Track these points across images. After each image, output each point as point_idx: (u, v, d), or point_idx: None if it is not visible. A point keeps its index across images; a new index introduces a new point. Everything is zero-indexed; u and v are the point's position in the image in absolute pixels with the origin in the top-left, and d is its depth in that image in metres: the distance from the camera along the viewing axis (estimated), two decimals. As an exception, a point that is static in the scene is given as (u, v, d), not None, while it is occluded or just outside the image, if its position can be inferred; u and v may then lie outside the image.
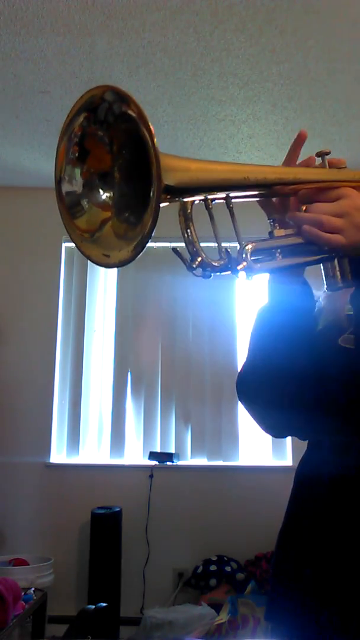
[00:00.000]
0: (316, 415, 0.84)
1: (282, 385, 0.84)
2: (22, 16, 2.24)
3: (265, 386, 0.87)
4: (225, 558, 3.27)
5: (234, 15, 2.22)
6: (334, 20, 2.26)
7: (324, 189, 0.76)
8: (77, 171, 0.62)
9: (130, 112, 0.57)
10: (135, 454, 3.59)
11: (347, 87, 2.68)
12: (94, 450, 3.63)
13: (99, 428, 3.68)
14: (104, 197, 0.62)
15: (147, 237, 0.55)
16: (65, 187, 0.62)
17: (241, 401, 0.92)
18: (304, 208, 0.74)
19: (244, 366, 0.92)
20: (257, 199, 0.76)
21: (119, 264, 0.58)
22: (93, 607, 2.59)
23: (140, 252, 0.56)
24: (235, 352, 3.65)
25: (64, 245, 3.78)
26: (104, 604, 2.65)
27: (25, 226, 3.78)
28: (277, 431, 0.94)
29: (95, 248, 0.61)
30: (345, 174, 0.80)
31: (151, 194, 0.53)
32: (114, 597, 3.08)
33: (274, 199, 0.79)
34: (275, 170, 0.75)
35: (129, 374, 3.69)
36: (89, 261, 0.63)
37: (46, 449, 3.55)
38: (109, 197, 0.62)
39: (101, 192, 0.62)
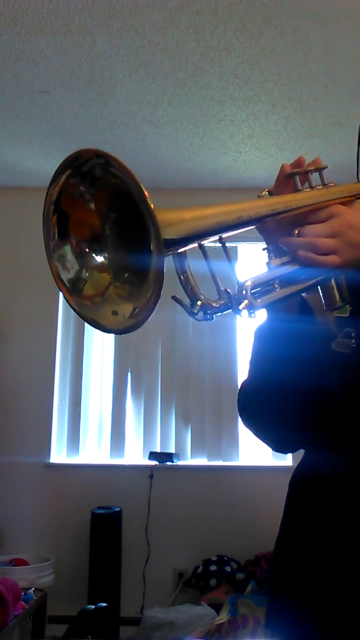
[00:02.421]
0: (320, 428, 0.84)
1: (284, 401, 0.84)
2: (22, 16, 2.24)
3: (267, 403, 0.86)
4: (225, 558, 3.27)
5: (234, 15, 2.22)
6: (334, 20, 2.26)
7: (314, 210, 0.75)
8: (67, 248, 0.61)
9: (115, 172, 0.55)
10: (135, 454, 3.59)
11: (347, 87, 2.68)
12: (94, 450, 3.63)
13: (99, 428, 3.68)
14: (100, 260, 0.61)
15: (154, 302, 0.54)
16: (65, 275, 0.62)
17: (244, 418, 0.91)
18: (296, 232, 0.73)
19: (244, 384, 0.92)
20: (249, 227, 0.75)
21: (133, 323, 0.57)
22: (93, 607, 2.59)
23: (146, 319, 0.55)
24: (235, 352, 3.65)
25: (64, 245, 3.78)
26: (104, 604, 2.65)
27: (25, 226, 3.78)
28: (281, 446, 0.94)
29: (103, 308, 0.60)
30: (334, 191, 0.79)
31: (152, 252, 0.52)
32: (114, 597, 3.08)
33: (269, 225, 0.78)
34: (266, 202, 0.75)
35: (129, 374, 3.69)
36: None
37: (46, 449, 3.55)
38: (105, 259, 0.61)
39: (95, 256, 0.62)
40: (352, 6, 2.19)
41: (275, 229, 0.77)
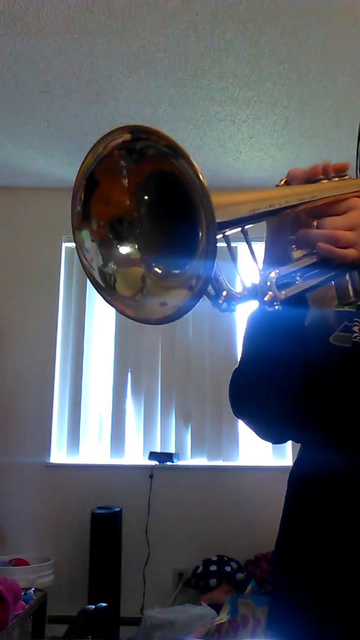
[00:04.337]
0: (312, 417, 0.84)
1: (275, 388, 0.84)
2: (22, 16, 2.24)
3: (258, 389, 0.86)
4: (225, 558, 3.27)
5: (234, 15, 2.22)
6: (334, 20, 2.26)
7: (332, 202, 0.75)
8: (86, 233, 0.57)
9: (164, 148, 0.53)
10: (135, 454, 3.59)
11: (347, 87, 2.68)
12: (94, 450, 3.63)
13: (99, 428, 3.68)
14: (128, 249, 0.58)
15: (202, 287, 0.51)
16: (93, 271, 0.57)
17: (234, 405, 0.91)
18: (315, 223, 0.73)
19: (235, 371, 0.91)
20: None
21: (179, 310, 0.54)
22: (93, 607, 2.58)
23: (199, 298, 0.52)
24: (236, 351, 3.64)
25: (64, 245, 3.78)
26: (104, 604, 2.64)
27: (25, 226, 3.78)
28: (272, 436, 0.93)
29: (149, 303, 0.57)
30: (353, 184, 0.79)
31: (203, 235, 0.49)
32: (114, 597, 3.08)
33: (280, 220, 0.77)
34: (294, 191, 0.74)
35: (129, 374, 3.69)
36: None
37: (46, 449, 3.55)
38: (135, 249, 0.58)
39: (124, 245, 0.58)
40: (352, 6, 2.19)
41: (284, 221, 0.77)
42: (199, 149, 3.29)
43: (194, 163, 0.50)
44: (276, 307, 0.63)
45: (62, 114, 2.96)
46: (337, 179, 0.80)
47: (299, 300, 0.83)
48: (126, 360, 3.70)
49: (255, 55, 2.46)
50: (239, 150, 3.31)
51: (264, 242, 0.82)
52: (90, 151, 0.55)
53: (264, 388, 0.85)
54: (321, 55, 2.46)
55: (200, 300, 0.59)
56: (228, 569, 3.20)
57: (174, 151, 0.51)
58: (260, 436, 0.91)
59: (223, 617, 2.78)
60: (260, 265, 0.64)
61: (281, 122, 3.00)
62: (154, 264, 0.58)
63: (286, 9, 2.19)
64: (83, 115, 2.97)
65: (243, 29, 2.30)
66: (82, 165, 0.56)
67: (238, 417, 0.91)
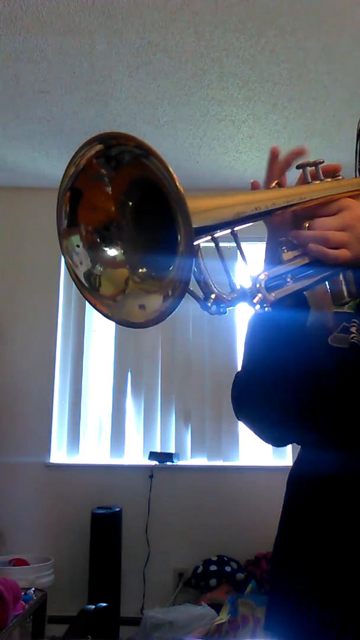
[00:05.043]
0: (313, 418, 0.84)
1: (277, 391, 0.84)
2: (22, 16, 2.24)
3: (260, 393, 0.86)
4: (225, 558, 3.27)
5: (234, 15, 2.22)
6: (334, 20, 2.26)
7: (324, 203, 0.74)
8: (75, 238, 0.58)
9: (137, 152, 0.53)
10: (135, 454, 3.59)
11: (347, 87, 2.68)
12: (94, 450, 3.63)
13: (99, 428, 3.68)
14: (114, 253, 0.59)
15: (185, 288, 0.52)
16: (78, 271, 0.58)
17: (236, 409, 0.91)
18: (307, 225, 0.72)
19: (238, 375, 0.91)
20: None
21: (160, 314, 0.54)
22: (93, 607, 2.59)
23: (179, 303, 0.53)
24: (236, 352, 3.65)
25: (64, 245, 3.78)
26: (104, 604, 2.65)
27: (25, 226, 3.78)
28: (275, 439, 0.94)
29: (128, 304, 0.57)
30: (345, 184, 0.79)
31: (181, 240, 0.50)
32: (114, 597, 3.08)
33: (276, 220, 0.77)
34: (282, 194, 0.74)
35: (129, 374, 3.69)
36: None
37: (46, 449, 3.55)
38: (120, 253, 0.59)
39: (109, 248, 0.59)
40: (352, 6, 2.19)
41: (281, 222, 0.77)
42: (199, 149, 3.29)
43: (167, 165, 0.51)
44: (266, 309, 0.62)
45: (62, 114, 2.96)
46: (329, 179, 0.80)
47: (300, 302, 0.83)
48: (126, 360, 3.69)
49: (255, 55, 2.46)
50: (239, 150, 3.31)
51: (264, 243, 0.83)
52: (64, 173, 0.56)
53: (266, 392, 0.86)
54: (321, 55, 2.46)
55: (192, 302, 0.60)
56: (228, 569, 3.20)
57: (145, 151, 0.52)
58: (261, 438, 0.92)
59: (223, 617, 2.78)
60: (250, 267, 0.64)
61: (281, 122, 3.00)
62: (138, 267, 0.59)
63: (286, 9, 2.19)
64: (83, 115, 2.97)
65: (243, 29, 2.30)
66: (61, 180, 0.57)
67: (240, 420, 0.91)
